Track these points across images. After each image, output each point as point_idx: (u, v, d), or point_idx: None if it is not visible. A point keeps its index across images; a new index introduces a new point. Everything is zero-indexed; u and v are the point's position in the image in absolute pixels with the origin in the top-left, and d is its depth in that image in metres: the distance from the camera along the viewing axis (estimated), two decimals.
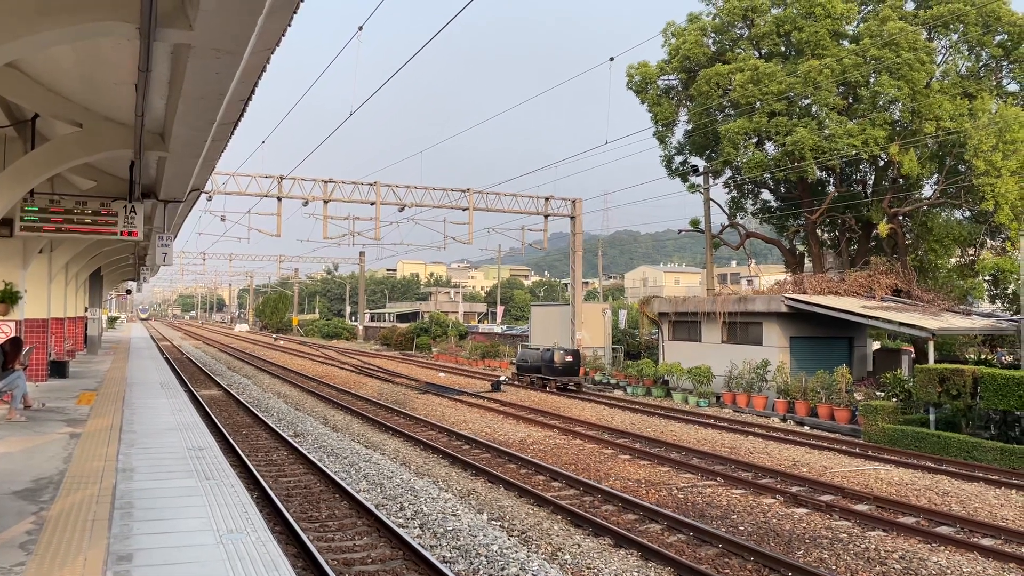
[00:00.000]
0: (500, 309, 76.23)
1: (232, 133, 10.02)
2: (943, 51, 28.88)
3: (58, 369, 19.35)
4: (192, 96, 7.45)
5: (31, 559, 5.39)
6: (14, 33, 5.74)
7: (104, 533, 6.04)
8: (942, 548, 10.48)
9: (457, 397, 27.29)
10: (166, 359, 33.85)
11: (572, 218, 37.28)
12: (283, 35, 6.64)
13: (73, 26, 5.77)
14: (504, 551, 9.58)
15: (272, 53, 7.05)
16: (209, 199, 30.53)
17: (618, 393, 29.75)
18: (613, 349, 36.76)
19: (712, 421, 21.75)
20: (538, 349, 32.05)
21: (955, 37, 28.21)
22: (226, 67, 6.57)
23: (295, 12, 6.15)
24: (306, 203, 32.72)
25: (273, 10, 5.75)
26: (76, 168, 12.89)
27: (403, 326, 67.65)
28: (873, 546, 10.44)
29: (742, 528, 11.34)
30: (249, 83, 7.74)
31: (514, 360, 36.04)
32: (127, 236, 13.13)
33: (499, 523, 11.15)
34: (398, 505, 11.88)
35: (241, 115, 9.09)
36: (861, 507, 12.40)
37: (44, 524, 6.23)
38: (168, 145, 9.73)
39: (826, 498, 12.89)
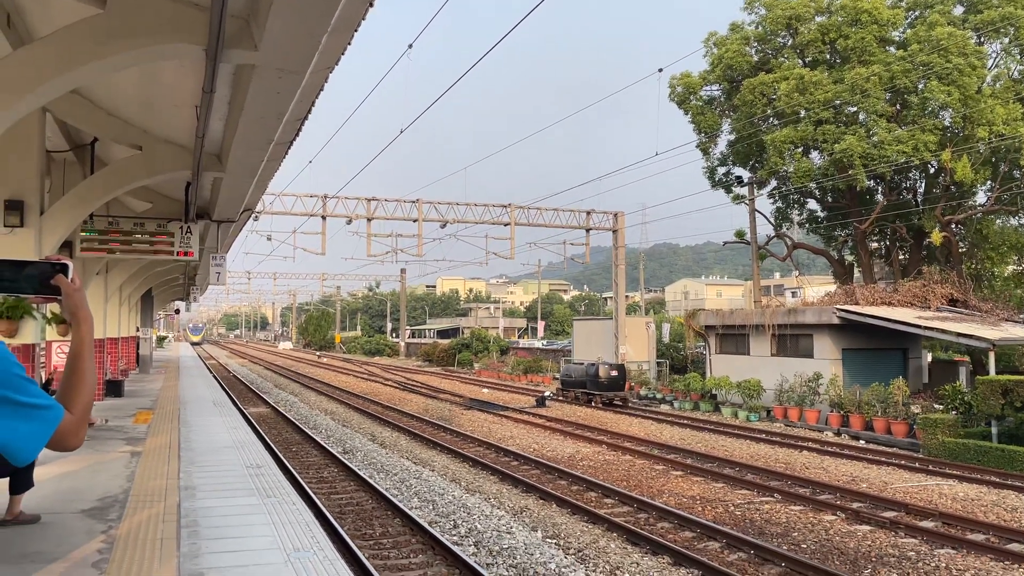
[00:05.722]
0: (541, 324, 76.05)
1: (287, 153, 10.13)
2: (994, 55, 28.25)
3: (114, 388, 19.70)
4: (252, 116, 7.53)
5: None
6: (85, 58, 5.86)
7: (173, 552, 6.07)
8: (1016, 566, 10.10)
9: (502, 413, 27.19)
10: (214, 377, 34.31)
11: (614, 232, 37.09)
12: (343, 53, 6.69)
13: (141, 49, 5.86)
14: (562, 570, 9.45)
15: (331, 71, 7.11)
16: (256, 219, 30.99)
17: (665, 408, 29.40)
18: (658, 363, 36.39)
19: (764, 436, 21.35)
20: (582, 364, 31.84)
21: (1006, 41, 27.56)
22: (287, 87, 6.62)
23: (356, 30, 6.18)
24: (350, 221, 33.04)
25: (336, 29, 5.78)
26: (132, 190, 13.14)
27: (444, 342, 67.83)
28: (943, 564, 10.10)
29: (804, 546, 11.05)
30: (307, 102, 7.81)
31: (557, 375, 35.89)
32: (183, 256, 13.35)
33: (554, 541, 11.02)
34: (451, 523, 11.79)
35: (297, 134, 9.19)
36: (927, 524, 12.02)
37: (114, 543, 6.28)
38: (225, 166, 9.86)
39: (889, 515, 12.53)
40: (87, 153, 12.16)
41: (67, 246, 13.42)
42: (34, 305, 10.40)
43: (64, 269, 1.96)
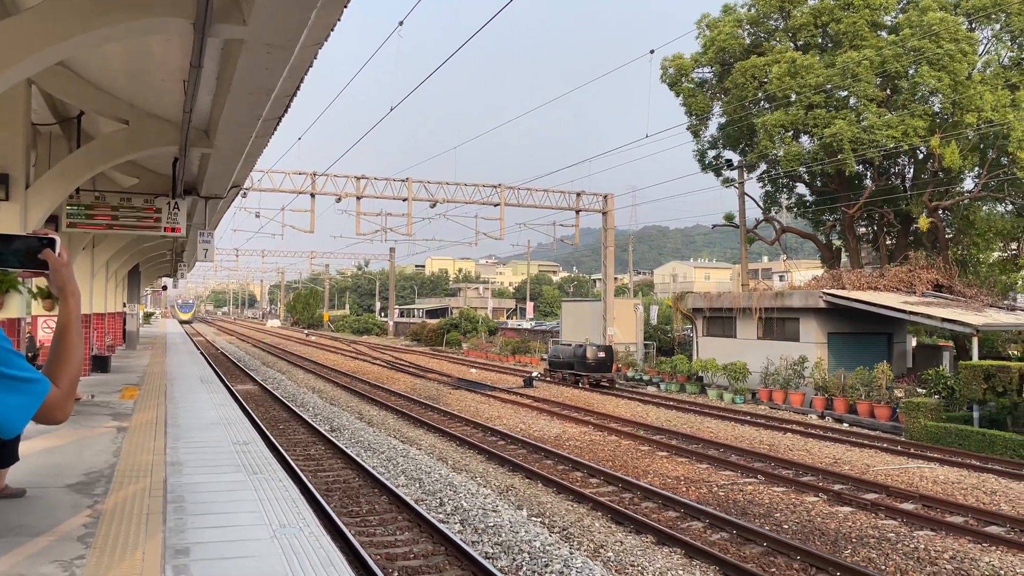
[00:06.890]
0: (530, 305, 76.14)
1: (275, 129, 10.07)
2: (985, 41, 28.29)
3: (100, 364, 19.65)
4: (240, 92, 7.47)
5: (90, 552, 5.44)
6: (72, 31, 5.79)
7: (159, 527, 6.09)
8: (993, 548, 10.27)
9: (490, 393, 27.29)
10: (202, 354, 34.26)
11: (604, 213, 37.09)
12: (332, 29, 6.64)
13: (129, 22, 5.80)
14: (546, 548, 9.54)
15: (320, 48, 7.06)
16: (244, 196, 30.79)
17: (651, 389, 29.58)
18: (645, 345, 36.56)
19: (749, 418, 21.53)
20: (570, 345, 31.96)
21: (997, 27, 27.59)
22: (276, 62, 6.57)
23: (346, 6, 6.13)
24: (339, 200, 32.87)
25: (325, 4, 5.74)
26: (119, 165, 13.03)
27: (433, 322, 67.82)
28: (922, 546, 10.26)
29: (786, 527, 11.19)
30: (296, 78, 7.75)
31: (545, 356, 36.01)
32: (170, 232, 13.28)
33: (539, 519, 11.12)
34: (438, 500, 11.88)
35: (286, 111, 9.13)
36: (907, 506, 12.19)
37: (100, 517, 6.30)
38: (213, 141, 9.80)
39: (871, 496, 12.69)
40: (73, 127, 12.05)
41: (53, 220, 13.31)
42: (20, 279, 10.38)
43: (51, 244, 1.96)
